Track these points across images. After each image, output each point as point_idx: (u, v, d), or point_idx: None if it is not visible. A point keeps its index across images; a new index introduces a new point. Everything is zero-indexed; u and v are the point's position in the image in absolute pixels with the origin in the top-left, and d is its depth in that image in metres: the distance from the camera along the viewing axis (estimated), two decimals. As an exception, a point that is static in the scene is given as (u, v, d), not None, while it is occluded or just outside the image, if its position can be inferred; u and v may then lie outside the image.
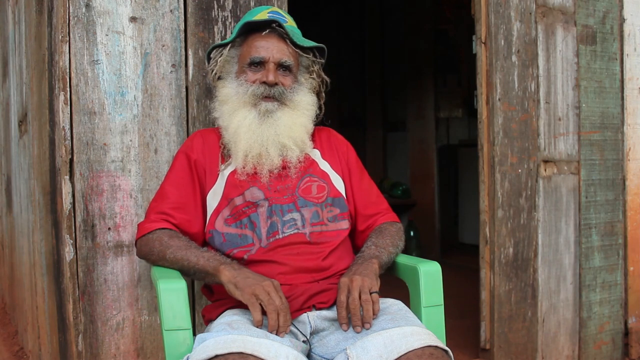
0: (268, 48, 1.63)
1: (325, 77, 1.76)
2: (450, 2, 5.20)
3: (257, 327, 1.37)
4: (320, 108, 1.75)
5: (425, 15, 5.00)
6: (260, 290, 1.38)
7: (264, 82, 1.62)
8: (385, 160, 5.63)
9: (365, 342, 1.34)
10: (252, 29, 1.67)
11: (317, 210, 1.62)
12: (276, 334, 1.36)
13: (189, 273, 1.51)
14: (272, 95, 1.63)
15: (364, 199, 1.75)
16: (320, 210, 1.63)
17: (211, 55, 1.74)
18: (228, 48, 1.70)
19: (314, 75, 1.73)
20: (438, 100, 5.12)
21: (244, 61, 1.66)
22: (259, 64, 1.64)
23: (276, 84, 1.62)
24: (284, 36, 1.65)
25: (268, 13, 1.70)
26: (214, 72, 1.72)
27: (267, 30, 1.64)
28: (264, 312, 1.38)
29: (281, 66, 1.64)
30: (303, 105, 1.67)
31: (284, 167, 1.64)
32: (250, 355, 1.25)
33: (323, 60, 1.75)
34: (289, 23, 1.72)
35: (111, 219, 1.83)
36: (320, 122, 1.77)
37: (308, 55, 1.71)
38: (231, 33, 1.91)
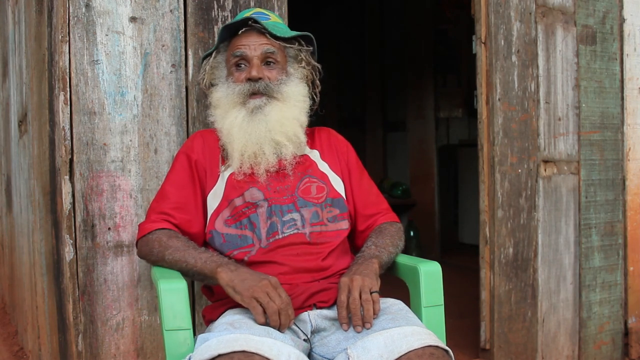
0: (248, 45, 1.64)
1: (316, 63, 1.75)
2: (450, 2, 5.20)
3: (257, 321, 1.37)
4: (315, 96, 1.74)
5: (425, 15, 5.00)
6: (259, 292, 1.38)
7: (249, 79, 1.63)
8: (385, 160, 5.63)
9: (365, 341, 1.34)
10: (233, 32, 1.68)
11: (316, 210, 1.62)
12: (279, 330, 1.37)
13: (187, 275, 1.51)
14: (258, 91, 1.63)
15: (364, 199, 1.74)
16: (320, 210, 1.63)
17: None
18: (214, 55, 1.72)
19: (303, 64, 1.72)
20: (438, 100, 5.12)
21: (229, 63, 1.68)
22: (242, 62, 1.65)
23: (260, 78, 1.63)
24: (262, 31, 1.65)
25: (252, 14, 1.70)
26: (204, 81, 1.73)
27: (244, 29, 1.66)
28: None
29: (265, 60, 1.65)
30: (293, 96, 1.66)
31: (281, 167, 1.64)
32: (253, 353, 1.25)
33: (311, 48, 1.74)
34: (272, 19, 1.72)
35: (111, 219, 1.83)
36: (316, 112, 1.75)
37: (292, 45, 1.70)
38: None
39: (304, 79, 1.71)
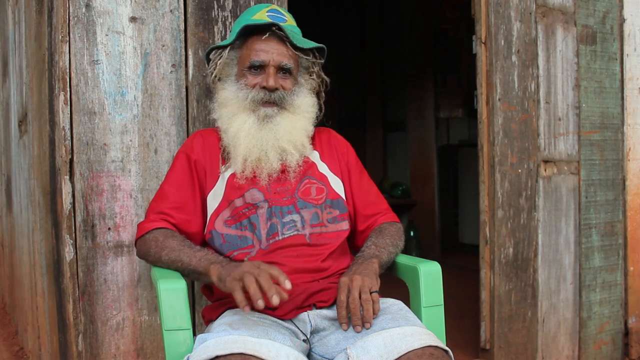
0: (268, 51, 1.62)
1: (325, 77, 1.75)
2: (450, 2, 5.20)
3: (242, 308, 1.28)
4: (320, 108, 1.74)
5: (425, 15, 5.00)
6: (240, 272, 1.31)
7: (264, 87, 1.61)
8: (385, 160, 5.63)
9: (365, 341, 1.34)
10: (252, 31, 1.66)
11: (316, 211, 1.62)
12: (269, 304, 1.27)
13: (184, 274, 1.51)
14: (272, 101, 1.62)
15: (364, 199, 1.74)
16: (320, 211, 1.63)
17: (210, 57, 1.73)
18: (227, 50, 1.69)
19: (314, 76, 1.72)
20: (438, 100, 5.12)
21: (243, 64, 1.65)
22: (258, 67, 1.63)
23: (276, 88, 1.61)
24: (283, 39, 1.64)
25: (267, 12, 1.68)
26: (213, 74, 1.70)
27: (267, 34, 1.63)
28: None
29: (281, 69, 1.63)
30: (303, 108, 1.66)
31: (283, 171, 1.64)
32: (251, 356, 1.24)
33: (322, 61, 1.74)
34: (288, 22, 1.70)
35: (111, 219, 1.83)
36: (321, 122, 1.76)
37: (308, 57, 1.70)
38: (230, 33, 1.90)
39: (312, 90, 1.72)
